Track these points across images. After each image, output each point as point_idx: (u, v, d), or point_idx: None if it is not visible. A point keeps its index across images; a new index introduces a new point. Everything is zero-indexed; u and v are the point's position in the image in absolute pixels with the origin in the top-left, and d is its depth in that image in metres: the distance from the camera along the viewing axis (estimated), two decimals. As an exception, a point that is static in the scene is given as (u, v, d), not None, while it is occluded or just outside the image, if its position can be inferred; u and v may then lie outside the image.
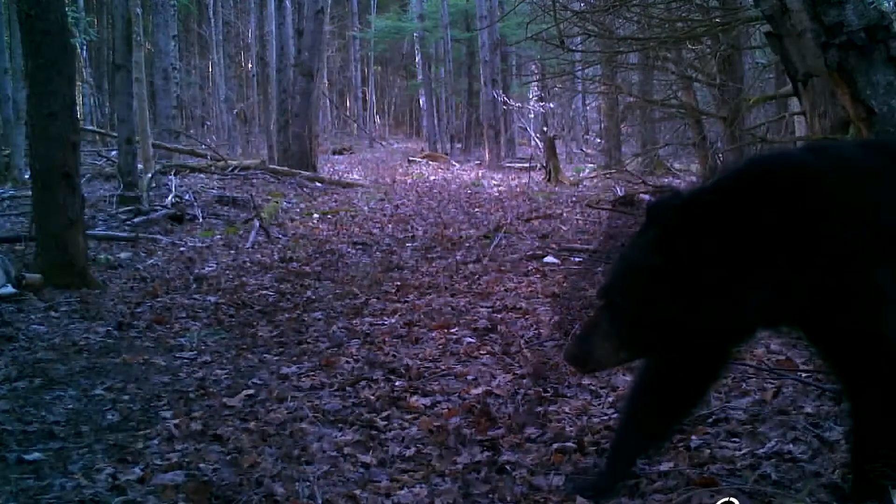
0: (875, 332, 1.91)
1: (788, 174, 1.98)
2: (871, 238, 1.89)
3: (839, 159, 2.03)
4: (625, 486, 2.27)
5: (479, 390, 3.27)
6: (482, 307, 4.87)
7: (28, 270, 5.44)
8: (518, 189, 12.93)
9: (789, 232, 1.89)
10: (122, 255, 6.89)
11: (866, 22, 2.39)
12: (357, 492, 2.35)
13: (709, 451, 2.52)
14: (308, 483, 2.39)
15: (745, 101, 8.24)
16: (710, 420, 2.80)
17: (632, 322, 2.01)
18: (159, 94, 16.02)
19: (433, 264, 6.47)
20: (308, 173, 13.48)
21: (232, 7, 27.49)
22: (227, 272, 6.39)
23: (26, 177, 10.04)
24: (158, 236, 7.83)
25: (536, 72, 17.82)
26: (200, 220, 9.00)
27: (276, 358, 4.03)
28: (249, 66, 25.41)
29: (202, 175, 12.01)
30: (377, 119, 35.34)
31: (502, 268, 6.14)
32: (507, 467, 2.51)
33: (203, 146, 15.33)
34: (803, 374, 3.11)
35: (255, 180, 12.16)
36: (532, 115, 21.77)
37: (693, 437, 2.64)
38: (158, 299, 5.38)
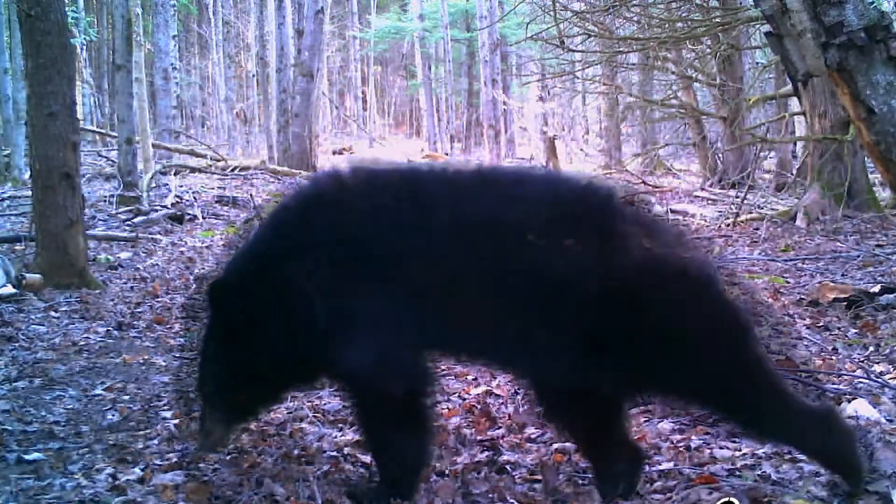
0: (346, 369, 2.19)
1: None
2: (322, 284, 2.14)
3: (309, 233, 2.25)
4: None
5: (479, 390, 3.27)
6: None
7: (28, 270, 5.44)
8: (518, 189, 12.88)
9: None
10: (122, 255, 6.88)
11: (866, 22, 2.40)
12: (357, 492, 2.35)
13: (709, 451, 2.52)
14: (308, 483, 2.39)
15: (745, 101, 8.25)
16: (710, 420, 2.79)
17: (207, 400, 2.37)
18: (159, 94, 16.02)
19: (433, 264, 6.45)
20: (308, 173, 13.46)
21: (232, 7, 27.47)
22: (228, 272, 6.38)
23: (26, 177, 10.03)
24: (158, 236, 7.83)
25: (536, 72, 17.82)
26: (200, 220, 9.00)
27: (276, 358, 4.03)
28: (249, 66, 25.38)
29: (202, 175, 12.00)
30: (377, 119, 35.32)
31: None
32: (507, 467, 2.51)
33: (203, 146, 15.32)
34: (803, 374, 3.10)
35: (255, 180, 12.16)
36: (532, 115, 21.74)
37: (693, 437, 2.64)
38: (158, 299, 5.37)
